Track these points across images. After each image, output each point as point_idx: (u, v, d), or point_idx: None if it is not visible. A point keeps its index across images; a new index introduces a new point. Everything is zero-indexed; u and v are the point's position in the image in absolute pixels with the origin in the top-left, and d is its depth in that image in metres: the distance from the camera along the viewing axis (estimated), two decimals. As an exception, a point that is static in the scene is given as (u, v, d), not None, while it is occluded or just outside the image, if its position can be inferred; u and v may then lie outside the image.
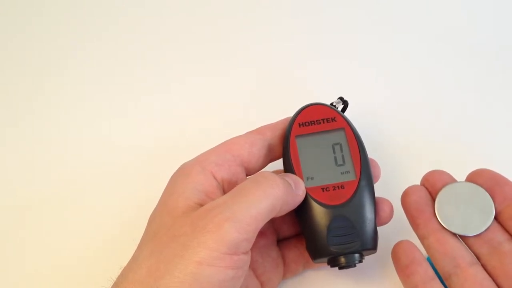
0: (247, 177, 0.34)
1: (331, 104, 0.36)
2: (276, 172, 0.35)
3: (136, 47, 0.52)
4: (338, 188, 0.32)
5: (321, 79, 0.48)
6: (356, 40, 0.51)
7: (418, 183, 0.40)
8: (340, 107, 0.37)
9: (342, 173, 0.32)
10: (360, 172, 0.32)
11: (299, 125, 0.34)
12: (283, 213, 0.30)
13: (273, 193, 0.28)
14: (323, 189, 0.32)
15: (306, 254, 0.34)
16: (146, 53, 0.51)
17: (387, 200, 0.34)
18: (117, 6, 0.55)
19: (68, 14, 0.54)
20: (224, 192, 0.32)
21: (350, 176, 0.32)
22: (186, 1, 0.54)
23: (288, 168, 0.33)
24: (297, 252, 0.35)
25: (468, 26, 0.51)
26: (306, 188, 0.32)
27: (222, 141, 0.34)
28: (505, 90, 0.47)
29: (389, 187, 0.37)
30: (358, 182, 0.32)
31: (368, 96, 0.45)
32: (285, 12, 0.53)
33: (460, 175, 0.33)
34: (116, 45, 0.52)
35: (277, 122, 0.35)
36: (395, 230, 0.36)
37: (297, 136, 0.33)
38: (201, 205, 0.29)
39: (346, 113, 0.37)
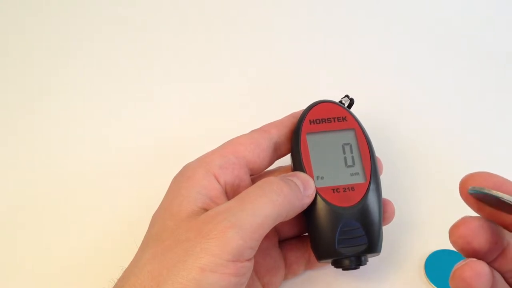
0: (252, 176, 0.33)
1: (339, 101, 0.36)
2: (283, 170, 0.35)
3: (136, 47, 0.51)
4: (349, 190, 0.31)
5: (322, 79, 0.48)
6: (357, 40, 0.52)
7: (421, 183, 0.40)
8: (346, 104, 0.37)
9: (351, 174, 0.32)
10: (370, 175, 0.32)
11: (310, 122, 0.33)
12: (290, 217, 0.30)
13: (278, 201, 0.28)
14: (333, 190, 0.31)
15: (308, 255, 0.35)
16: (146, 53, 0.51)
17: (390, 202, 0.34)
18: (118, 8, 0.55)
19: (69, 15, 0.54)
20: (227, 195, 0.31)
21: (359, 178, 0.32)
22: (187, 1, 0.54)
23: (298, 166, 0.32)
24: (298, 253, 0.35)
25: (471, 28, 0.52)
26: (316, 187, 0.31)
27: (224, 141, 0.33)
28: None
29: (391, 187, 0.38)
30: (368, 185, 0.31)
31: (369, 96, 0.45)
32: (286, 12, 0.54)
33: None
34: (116, 46, 0.51)
35: (282, 119, 0.34)
36: (395, 231, 0.37)
37: (308, 134, 0.33)
38: (205, 209, 0.29)
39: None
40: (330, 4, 0.55)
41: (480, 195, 0.23)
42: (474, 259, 0.23)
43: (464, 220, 0.24)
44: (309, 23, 0.54)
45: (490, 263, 0.25)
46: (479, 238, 0.24)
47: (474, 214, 0.25)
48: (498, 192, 0.22)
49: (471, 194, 0.24)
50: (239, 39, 0.52)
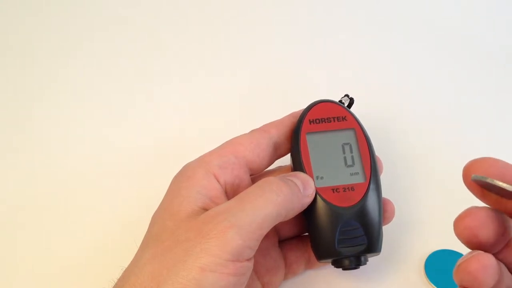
0: (252, 176, 0.33)
1: (339, 101, 0.36)
2: (283, 170, 0.35)
3: (136, 47, 0.51)
4: (348, 190, 0.31)
5: (322, 79, 0.48)
6: (357, 40, 0.52)
7: (421, 183, 0.40)
8: (346, 104, 0.37)
9: (351, 174, 0.32)
10: (370, 174, 0.32)
11: (310, 122, 0.33)
12: (290, 217, 0.30)
13: (278, 201, 0.28)
14: (333, 190, 0.31)
15: (307, 255, 0.35)
16: (146, 53, 0.51)
17: (390, 201, 0.34)
18: (118, 8, 0.55)
19: (69, 15, 0.54)
20: (227, 194, 0.31)
21: (359, 178, 0.32)
22: (187, 1, 0.54)
23: (298, 166, 0.32)
24: (298, 253, 0.35)
25: (471, 28, 0.52)
26: (316, 187, 0.31)
27: (224, 141, 0.33)
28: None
29: (391, 187, 0.37)
30: (368, 185, 0.31)
31: (369, 96, 0.45)
32: (286, 12, 0.54)
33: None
34: (116, 46, 0.51)
35: (283, 119, 0.34)
36: (395, 231, 0.37)
37: (307, 133, 0.33)
38: (205, 209, 0.29)
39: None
40: (330, 4, 0.55)
41: (484, 183, 0.23)
42: (480, 251, 0.22)
43: (470, 211, 0.23)
44: (309, 23, 0.54)
45: (495, 255, 0.24)
46: (486, 229, 0.23)
47: (479, 202, 0.24)
48: (500, 182, 0.22)
49: (474, 181, 0.23)
50: (239, 39, 0.52)
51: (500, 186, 0.22)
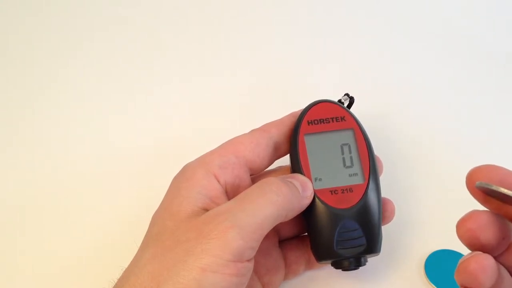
0: (252, 176, 0.33)
1: (339, 100, 0.36)
2: (283, 170, 0.35)
3: (136, 47, 0.51)
4: (347, 191, 0.31)
5: (322, 79, 0.48)
6: (357, 40, 0.52)
7: (421, 183, 0.40)
8: (346, 103, 0.36)
9: (350, 175, 0.32)
10: (369, 175, 0.32)
11: (308, 122, 0.33)
12: (289, 218, 0.30)
13: (278, 201, 0.28)
14: (331, 191, 0.31)
15: (308, 255, 0.35)
16: (146, 53, 0.51)
17: (390, 201, 0.34)
18: (118, 8, 0.55)
19: (69, 15, 0.54)
20: (227, 194, 0.31)
21: (358, 179, 0.32)
22: (187, 1, 0.54)
23: (296, 167, 0.32)
24: (298, 253, 0.35)
25: (471, 28, 0.52)
26: (314, 189, 0.31)
27: (224, 141, 0.33)
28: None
29: (391, 187, 0.37)
30: (367, 186, 0.31)
31: (369, 96, 0.45)
32: (286, 12, 0.54)
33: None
34: (116, 46, 0.51)
35: (282, 119, 0.34)
36: (395, 231, 0.37)
37: (306, 135, 0.33)
38: (205, 209, 0.29)
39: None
40: (330, 4, 0.55)
41: (488, 189, 0.23)
42: (480, 252, 0.23)
43: (472, 214, 0.24)
44: (309, 23, 0.54)
45: (496, 258, 0.24)
46: (487, 232, 0.23)
47: (481, 207, 0.25)
48: (505, 189, 0.22)
49: (478, 187, 0.23)
50: (239, 39, 0.52)
51: (505, 193, 0.22)
